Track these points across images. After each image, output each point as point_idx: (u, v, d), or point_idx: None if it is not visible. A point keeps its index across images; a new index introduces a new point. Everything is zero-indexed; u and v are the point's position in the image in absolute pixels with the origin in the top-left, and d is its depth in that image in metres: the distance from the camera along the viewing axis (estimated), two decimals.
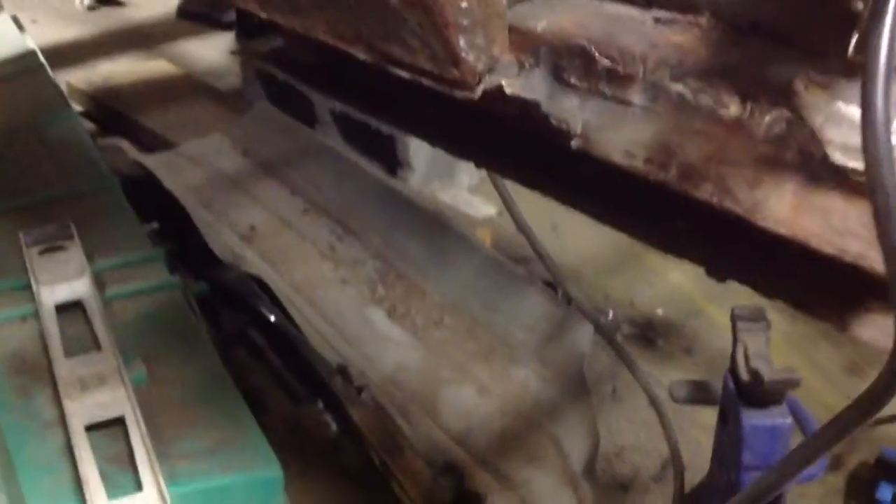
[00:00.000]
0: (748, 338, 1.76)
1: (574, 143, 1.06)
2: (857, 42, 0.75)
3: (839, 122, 0.84)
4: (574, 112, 1.06)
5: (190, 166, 3.33)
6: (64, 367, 1.91)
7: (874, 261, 0.81)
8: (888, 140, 0.66)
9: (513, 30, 1.10)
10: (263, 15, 1.35)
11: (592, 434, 2.42)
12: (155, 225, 2.77)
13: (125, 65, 4.39)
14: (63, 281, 2.16)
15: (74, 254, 2.26)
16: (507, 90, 1.10)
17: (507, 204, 1.77)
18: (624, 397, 2.70)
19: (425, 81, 1.14)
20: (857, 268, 0.84)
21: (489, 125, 1.23)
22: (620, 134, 1.01)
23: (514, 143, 1.24)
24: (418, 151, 3.45)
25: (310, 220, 3.15)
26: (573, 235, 3.20)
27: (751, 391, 1.72)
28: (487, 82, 1.10)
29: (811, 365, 2.62)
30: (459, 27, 1.05)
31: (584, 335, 2.63)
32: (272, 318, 2.65)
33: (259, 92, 3.81)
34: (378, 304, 2.84)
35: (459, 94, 1.12)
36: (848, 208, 0.84)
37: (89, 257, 2.26)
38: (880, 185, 0.66)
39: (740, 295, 1.28)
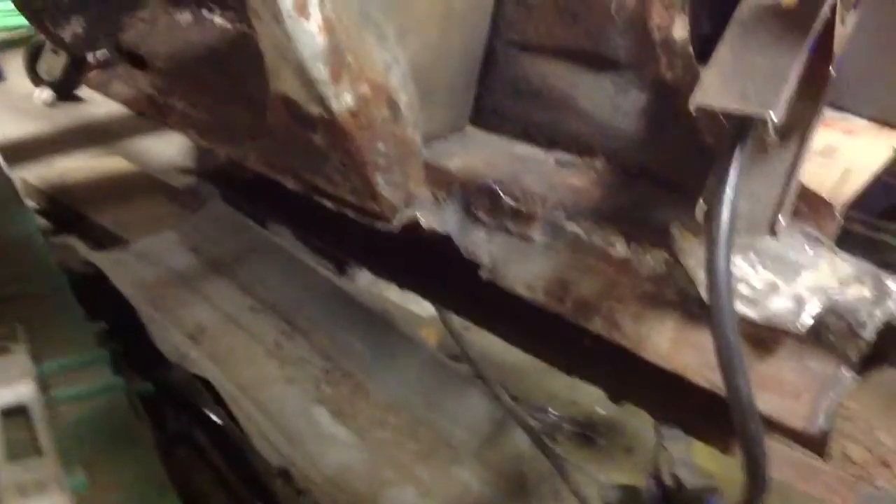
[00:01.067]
0: (671, 444, 1.84)
1: (483, 275, 1.14)
2: (701, 210, 0.84)
3: None
4: (482, 245, 1.14)
5: (140, 264, 3.36)
6: (5, 473, 1.92)
7: None
8: (730, 299, 0.73)
9: (428, 167, 1.19)
10: (202, 143, 1.44)
11: None
12: (103, 324, 2.80)
13: (82, 161, 4.43)
14: (7, 384, 2.18)
15: (20, 356, 2.28)
16: (423, 223, 1.18)
17: (440, 310, 1.85)
18: (565, 498, 2.73)
19: (348, 212, 1.22)
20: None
21: (410, 250, 1.31)
22: (523, 268, 1.09)
23: (433, 268, 1.32)
24: None
25: (258, 319, 3.18)
26: None
27: (673, 496, 1.78)
28: (405, 215, 1.18)
29: None
30: (377, 165, 1.14)
31: (524, 435, 2.68)
32: (216, 420, 2.66)
33: (213, 189, 3.87)
34: (323, 404, 2.86)
35: (380, 225, 1.20)
36: None
37: (35, 358, 2.28)
38: (723, 339, 0.74)
39: None
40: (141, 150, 4.72)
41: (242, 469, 2.61)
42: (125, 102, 1.53)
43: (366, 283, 3.56)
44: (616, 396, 1.19)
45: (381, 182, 1.15)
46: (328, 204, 1.24)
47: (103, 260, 3.28)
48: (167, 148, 4.72)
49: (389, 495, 2.57)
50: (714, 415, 1.04)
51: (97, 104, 5.32)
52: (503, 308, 1.26)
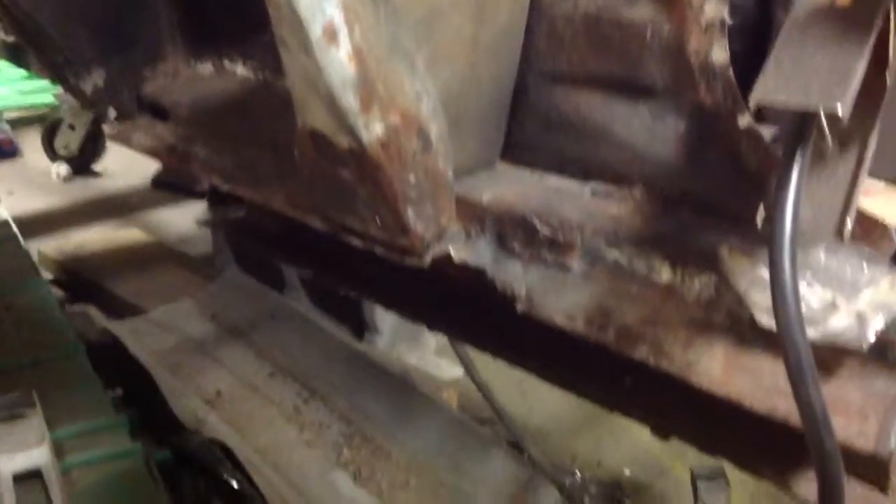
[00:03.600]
0: (708, 496, 1.78)
1: (519, 307, 1.10)
2: (764, 214, 0.81)
3: (763, 287, 0.89)
4: (518, 278, 1.10)
5: (158, 332, 3.33)
6: None
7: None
8: (797, 304, 0.70)
9: (459, 201, 1.16)
10: (226, 187, 1.41)
11: None
12: (119, 391, 2.76)
13: (98, 233, 4.44)
14: (22, 449, 2.14)
15: (35, 422, 2.25)
16: (455, 257, 1.15)
17: (467, 366, 1.80)
18: None
19: (377, 249, 1.19)
20: (787, 425, 0.87)
21: (440, 290, 1.28)
22: (561, 298, 1.06)
23: (464, 307, 1.28)
24: (385, 314, 3.48)
25: (276, 384, 3.14)
26: (540, 394, 3.20)
27: None
28: (436, 250, 1.15)
29: None
30: (408, 199, 1.11)
31: (550, 497, 2.60)
32: (235, 485, 2.60)
33: (229, 258, 3.86)
34: (343, 468, 2.80)
35: (410, 260, 1.16)
36: (776, 368, 0.88)
37: (50, 425, 2.25)
38: (792, 346, 0.70)
39: (704, 455, 1.28)
40: (157, 222, 4.73)
41: None
42: (147, 152, 1.52)
43: (384, 346, 3.51)
44: (661, 432, 1.14)
45: (411, 216, 1.12)
46: (357, 242, 1.21)
47: (121, 328, 3.25)
48: (183, 219, 4.73)
49: None
50: (768, 447, 0.99)
51: (113, 178, 5.36)
52: (539, 345, 1.22)
